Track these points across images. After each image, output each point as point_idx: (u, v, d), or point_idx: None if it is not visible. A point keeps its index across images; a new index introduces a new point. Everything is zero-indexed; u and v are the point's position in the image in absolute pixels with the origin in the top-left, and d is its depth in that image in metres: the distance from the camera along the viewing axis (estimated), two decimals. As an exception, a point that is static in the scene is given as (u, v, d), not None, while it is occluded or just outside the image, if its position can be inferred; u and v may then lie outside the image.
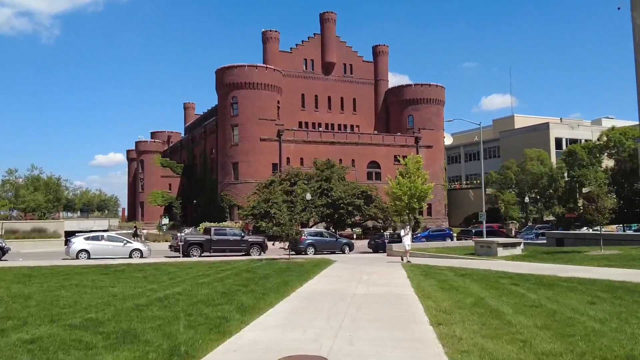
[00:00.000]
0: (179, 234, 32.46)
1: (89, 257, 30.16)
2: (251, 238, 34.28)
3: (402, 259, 25.40)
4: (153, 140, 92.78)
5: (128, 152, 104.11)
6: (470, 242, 36.09)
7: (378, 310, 11.30)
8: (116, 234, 35.58)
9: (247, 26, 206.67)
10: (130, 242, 31.94)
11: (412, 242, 39.52)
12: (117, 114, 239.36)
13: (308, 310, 11.36)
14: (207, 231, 33.92)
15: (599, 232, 28.56)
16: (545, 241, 35.77)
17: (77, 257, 30.10)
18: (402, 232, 26.19)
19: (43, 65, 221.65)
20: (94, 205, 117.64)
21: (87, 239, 31.45)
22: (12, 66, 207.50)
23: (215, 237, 32.52)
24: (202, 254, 32.09)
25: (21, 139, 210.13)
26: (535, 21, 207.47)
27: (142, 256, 31.02)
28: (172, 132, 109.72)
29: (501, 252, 26.37)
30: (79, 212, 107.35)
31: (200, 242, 32.22)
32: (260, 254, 32.83)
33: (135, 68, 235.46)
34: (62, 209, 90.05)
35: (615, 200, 25.23)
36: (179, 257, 30.88)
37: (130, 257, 30.75)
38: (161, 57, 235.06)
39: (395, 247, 33.25)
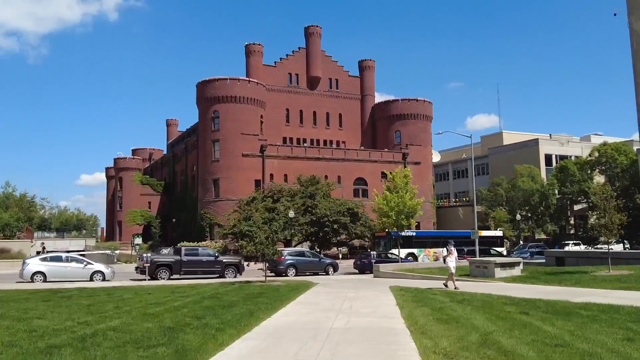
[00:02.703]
0: (144, 255, 29.59)
1: (45, 280, 27.16)
2: (226, 258, 31.44)
3: (447, 285, 20.55)
4: (132, 157, 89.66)
5: (107, 169, 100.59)
6: (462, 262, 33.62)
7: (359, 353, 8.70)
8: (77, 254, 32.63)
9: (232, 41, 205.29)
10: (92, 264, 28.98)
11: (402, 261, 37.06)
12: (103, 132, 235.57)
13: (268, 354, 8.72)
14: (177, 251, 31.05)
15: (603, 250, 26.22)
16: (543, 260, 33.41)
17: (31, 280, 27.13)
18: (445, 252, 21.68)
19: (29, 85, 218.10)
20: (71, 225, 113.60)
21: (43, 259, 28.44)
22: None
23: (185, 258, 29.65)
24: (172, 276, 29.24)
25: (5, 158, 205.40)
26: (519, 41, 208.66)
27: (104, 279, 28.10)
28: (154, 149, 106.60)
29: (499, 272, 23.90)
30: (55, 232, 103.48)
31: (169, 264, 29.30)
32: (235, 276, 30.04)
33: (120, 86, 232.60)
34: (36, 229, 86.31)
35: (625, 215, 22.86)
36: (146, 279, 28.07)
37: (91, 279, 27.84)
38: (146, 74, 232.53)
39: (383, 267, 30.72)
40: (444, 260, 21.85)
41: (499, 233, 53.41)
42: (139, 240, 45.69)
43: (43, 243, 49.96)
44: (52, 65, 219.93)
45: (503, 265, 24.65)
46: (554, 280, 21.58)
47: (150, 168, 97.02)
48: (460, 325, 11.21)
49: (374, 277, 29.53)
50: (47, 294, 19.30)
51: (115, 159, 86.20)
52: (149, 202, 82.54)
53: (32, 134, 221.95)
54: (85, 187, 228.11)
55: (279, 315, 13.33)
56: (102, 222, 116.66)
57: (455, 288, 19.77)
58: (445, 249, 21.67)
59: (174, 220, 73.49)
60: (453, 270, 20.36)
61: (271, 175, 62.85)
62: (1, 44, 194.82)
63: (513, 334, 10.11)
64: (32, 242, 56.40)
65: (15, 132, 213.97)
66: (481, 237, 50.24)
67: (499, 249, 47.53)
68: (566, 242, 52.47)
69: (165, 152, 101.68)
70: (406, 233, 45.36)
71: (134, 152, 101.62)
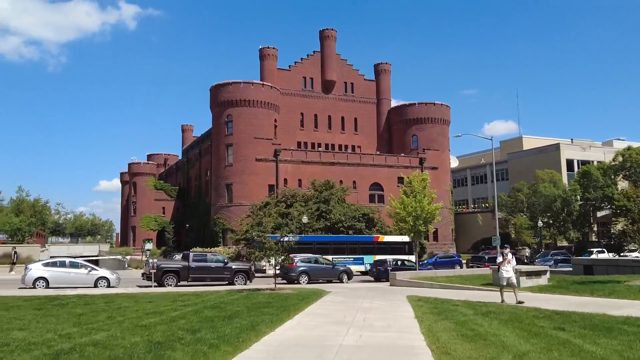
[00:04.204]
0: (150, 261, 28.48)
1: (47, 286, 26.22)
2: (235, 265, 30.24)
3: (503, 299, 17.44)
4: (147, 162, 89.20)
5: (122, 174, 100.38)
6: (483, 270, 32.03)
7: (372, 379, 7.36)
8: (85, 259, 31.64)
9: (247, 45, 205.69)
10: (97, 269, 27.98)
11: (420, 268, 35.47)
12: (122, 139, 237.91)
13: (263, 378, 7.43)
14: (185, 257, 29.93)
15: (634, 258, 24.46)
16: (570, 269, 31.64)
17: (34, 286, 26.17)
18: (499, 258, 18.20)
19: (49, 92, 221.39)
20: (85, 230, 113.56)
21: (45, 265, 27.52)
22: (19, 93, 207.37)
23: (193, 264, 28.48)
24: (179, 283, 28.11)
25: (24, 164, 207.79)
26: (537, 45, 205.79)
27: (109, 285, 27.05)
28: (169, 154, 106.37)
29: (525, 282, 22.31)
30: (69, 237, 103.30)
31: (176, 270, 28.16)
32: (245, 283, 28.82)
33: (138, 93, 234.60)
34: (50, 233, 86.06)
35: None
36: (152, 286, 26.96)
37: (95, 286, 26.81)
38: (163, 80, 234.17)
39: (400, 275, 29.25)
40: (498, 269, 18.15)
41: (406, 239, 41.68)
42: (149, 246, 44.78)
43: (14, 247, 44.07)
44: (71, 73, 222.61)
45: (529, 274, 23.08)
46: (586, 291, 19.95)
47: (164, 173, 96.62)
48: (489, 344, 9.80)
49: (390, 285, 28.08)
50: (41, 302, 18.24)
51: (129, 164, 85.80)
52: (163, 208, 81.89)
53: (52, 140, 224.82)
54: (103, 193, 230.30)
55: (284, 328, 12.02)
56: (118, 228, 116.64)
57: (519, 302, 16.95)
58: (500, 255, 18.12)
59: (187, 225, 72.68)
60: (504, 283, 17.45)
61: (285, 180, 61.68)
62: (22, 52, 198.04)
63: (552, 356, 8.69)
64: (42, 247, 55.86)
65: (35, 139, 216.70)
66: (382, 243, 43.59)
67: (406, 257, 40.16)
68: (591, 249, 50.35)
69: (180, 158, 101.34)
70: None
71: (149, 157, 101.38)
